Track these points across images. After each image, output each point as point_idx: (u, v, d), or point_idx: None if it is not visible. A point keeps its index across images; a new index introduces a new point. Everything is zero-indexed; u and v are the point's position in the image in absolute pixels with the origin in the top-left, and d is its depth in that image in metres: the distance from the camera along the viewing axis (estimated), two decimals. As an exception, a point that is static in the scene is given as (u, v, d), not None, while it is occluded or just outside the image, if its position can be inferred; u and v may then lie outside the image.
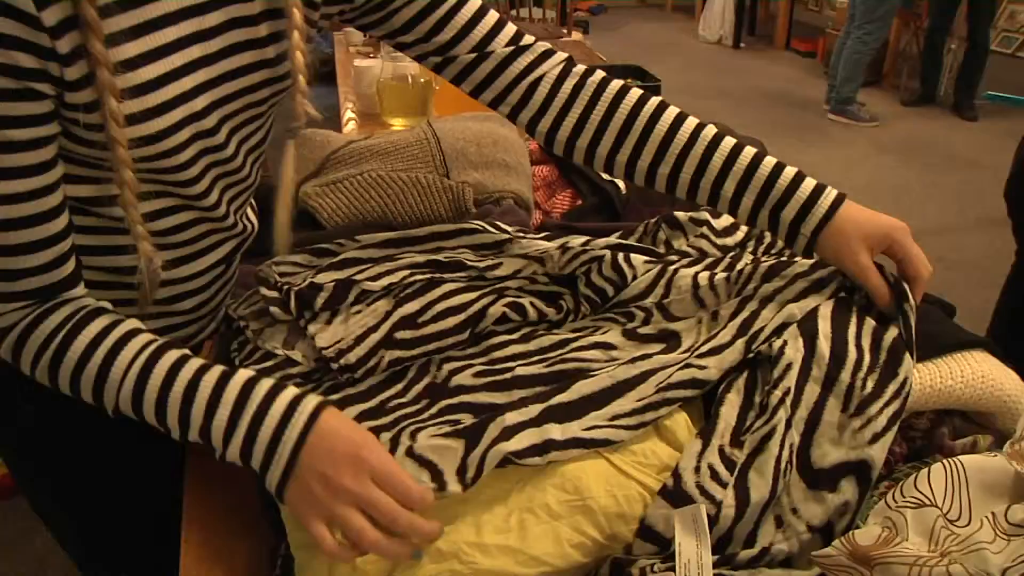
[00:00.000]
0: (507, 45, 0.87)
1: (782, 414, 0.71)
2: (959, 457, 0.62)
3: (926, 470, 0.63)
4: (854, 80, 5.03)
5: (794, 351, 0.75)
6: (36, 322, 0.74)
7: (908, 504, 0.62)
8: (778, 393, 0.73)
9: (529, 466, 0.69)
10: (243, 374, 0.72)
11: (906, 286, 0.80)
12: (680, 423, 0.75)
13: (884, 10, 4.81)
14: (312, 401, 0.70)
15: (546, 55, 0.88)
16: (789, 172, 0.83)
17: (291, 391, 0.71)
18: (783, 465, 0.69)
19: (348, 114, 2.16)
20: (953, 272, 3.25)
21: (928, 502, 0.61)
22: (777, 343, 0.77)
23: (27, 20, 0.62)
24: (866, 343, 0.76)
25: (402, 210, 1.13)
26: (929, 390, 0.75)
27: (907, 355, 0.74)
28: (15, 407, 0.95)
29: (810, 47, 6.82)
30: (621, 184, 1.22)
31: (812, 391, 0.73)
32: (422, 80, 1.94)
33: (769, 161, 0.84)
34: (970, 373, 0.77)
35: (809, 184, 0.83)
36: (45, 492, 1.05)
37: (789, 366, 0.74)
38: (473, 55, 0.86)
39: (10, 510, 2.11)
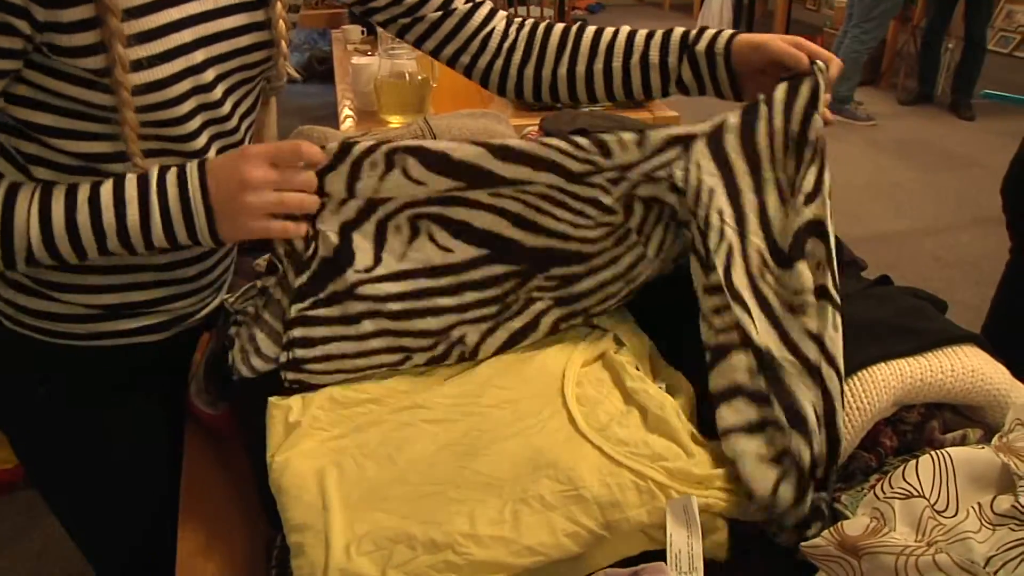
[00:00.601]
0: (464, 3, 0.98)
1: (730, 233, 0.78)
2: (947, 449, 0.63)
3: (914, 462, 0.64)
4: (851, 79, 5.03)
5: (710, 176, 0.80)
6: None
7: (896, 495, 0.63)
8: (715, 215, 0.78)
9: None
10: (131, 176, 0.78)
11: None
12: (670, 412, 0.75)
13: (881, 9, 4.83)
14: (195, 161, 0.79)
15: (494, 11, 1.01)
16: (695, 30, 0.95)
17: (174, 168, 0.79)
18: (755, 271, 0.77)
19: (346, 111, 2.17)
20: (949, 270, 3.27)
21: (916, 493, 0.62)
22: (694, 173, 0.80)
23: None
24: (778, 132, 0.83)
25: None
26: (920, 384, 0.76)
27: (815, 116, 0.82)
28: (27, 387, 0.97)
29: (808, 46, 6.82)
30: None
31: (749, 200, 0.80)
32: (419, 78, 1.95)
33: (679, 30, 0.95)
34: (960, 367, 0.77)
35: (710, 30, 0.94)
36: (45, 474, 1.06)
37: (712, 191, 0.79)
38: (439, 13, 0.97)
39: (7, 505, 2.11)
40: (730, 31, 0.92)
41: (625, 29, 0.97)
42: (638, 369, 0.81)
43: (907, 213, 3.79)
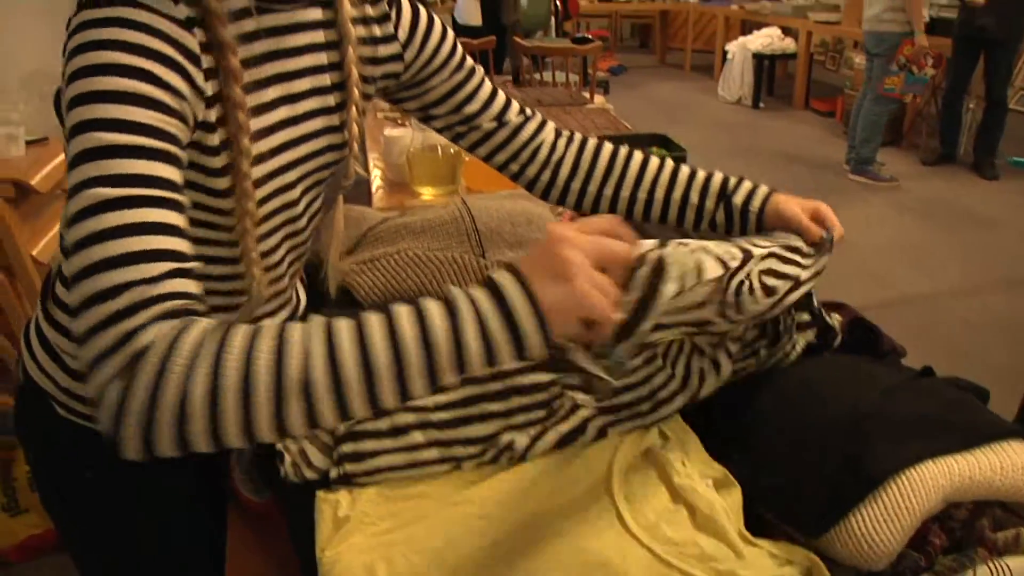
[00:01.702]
0: (517, 115, 1.04)
1: None
2: (1005, 560, 0.63)
3: (971, 573, 0.63)
4: (873, 141, 5.06)
5: None
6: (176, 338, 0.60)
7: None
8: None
9: None
10: (404, 312, 0.63)
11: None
12: (719, 511, 0.76)
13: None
14: (500, 270, 0.66)
15: (543, 124, 1.06)
16: (734, 179, 1.04)
17: (470, 290, 0.64)
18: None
19: (377, 182, 2.20)
20: (981, 334, 3.23)
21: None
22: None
23: (188, 55, 0.70)
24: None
25: (439, 289, 1.15)
26: (968, 482, 0.76)
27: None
28: (74, 470, 0.99)
29: (829, 107, 6.88)
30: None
31: None
32: (451, 151, 1.98)
33: (719, 176, 1.04)
34: (1008, 464, 0.77)
35: (749, 182, 1.03)
36: (84, 546, 1.07)
37: None
38: (494, 124, 1.02)
39: (36, 570, 2.11)
40: (766, 189, 1.02)
41: (669, 164, 1.05)
42: (685, 465, 0.81)
43: (934, 275, 3.77)
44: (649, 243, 0.81)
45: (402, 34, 0.94)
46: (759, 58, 7.19)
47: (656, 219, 1.06)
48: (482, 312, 0.62)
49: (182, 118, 0.69)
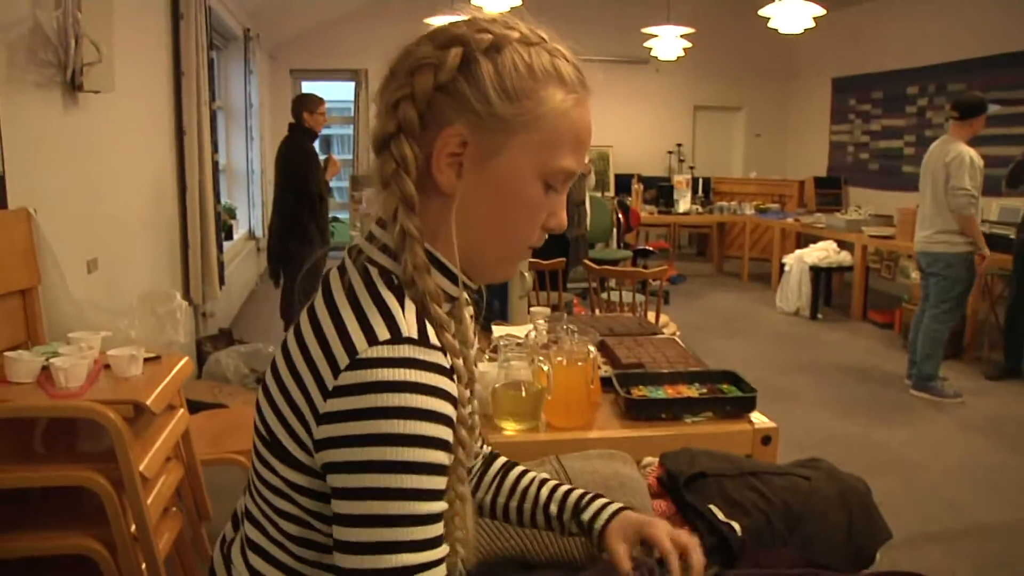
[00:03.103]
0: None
1: None
2: None
3: None
4: (935, 356, 5.09)
5: None
6: None
7: None
8: None
9: None
10: None
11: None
12: None
13: (958, 291, 4.96)
14: None
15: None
16: (592, 498, 1.20)
17: None
18: None
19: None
20: (1063, 569, 3.14)
21: None
22: None
23: (455, 403, 0.86)
24: None
25: (538, 548, 1.25)
26: None
27: None
28: None
29: (887, 319, 6.98)
30: (737, 527, 1.33)
31: None
32: (534, 389, 2.12)
33: (575, 493, 1.21)
34: None
35: (601, 501, 1.19)
36: None
37: None
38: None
39: None
40: (616, 506, 1.18)
41: (539, 479, 1.25)
42: None
43: (1009, 500, 3.70)
44: None
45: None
46: (816, 270, 7.39)
47: (541, 525, 1.23)
48: None
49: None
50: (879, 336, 6.78)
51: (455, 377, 0.86)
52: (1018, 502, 3.69)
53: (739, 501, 1.37)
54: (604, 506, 1.17)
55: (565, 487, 1.22)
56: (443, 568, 0.83)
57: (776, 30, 6.35)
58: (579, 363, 1.98)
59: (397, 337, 0.82)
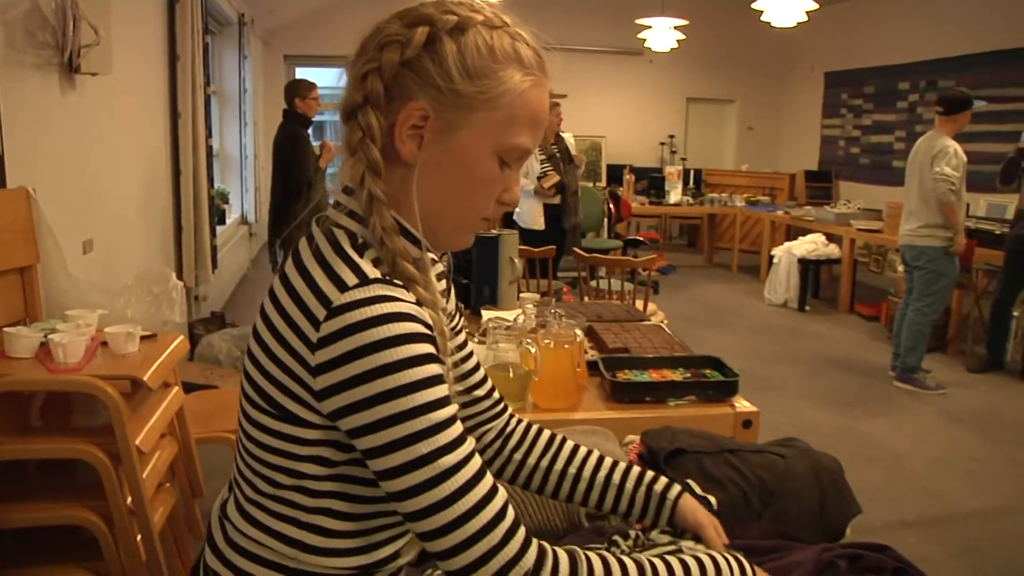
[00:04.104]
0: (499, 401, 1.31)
1: None
2: None
3: None
4: (918, 349, 5.17)
5: None
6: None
7: None
8: None
9: None
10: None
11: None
12: None
13: (941, 285, 5.05)
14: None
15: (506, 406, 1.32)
16: (650, 473, 1.26)
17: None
18: None
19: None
20: (1040, 558, 3.21)
21: None
22: None
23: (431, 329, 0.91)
24: None
25: (522, 518, 1.30)
26: None
27: None
28: None
29: (873, 311, 7.06)
30: (713, 500, 1.38)
31: None
32: (522, 370, 2.17)
33: (636, 468, 1.26)
34: None
35: (665, 479, 1.26)
36: None
37: None
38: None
39: None
40: (679, 487, 1.25)
41: (596, 452, 1.27)
42: None
43: (988, 492, 3.77)
44: None
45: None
46: (804, 263, 7.46)
47: (579, 499, 1.26)
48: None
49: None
50: (865, 328, 6.86)
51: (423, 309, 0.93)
52: (995, 492, 3.77)
53: (716, 476, 1.42)
54: (671, 482, 1.25)
55: (624, 463, 1.27)
56: (478, 458, 0.90)
57: (769, 23, 6.40)
58: (566, 346, 2.03)
59: (364, 280, 0.89)
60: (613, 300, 4.54)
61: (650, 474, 1.25)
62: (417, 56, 0.93)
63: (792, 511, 1.41)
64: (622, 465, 1.25)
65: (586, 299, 4.65)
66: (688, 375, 2.15)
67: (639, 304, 4.29)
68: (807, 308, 7.47)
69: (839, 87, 10.22)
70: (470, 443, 0.90)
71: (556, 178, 6.15)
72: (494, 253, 2.96)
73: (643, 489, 1.23)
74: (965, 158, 4.87)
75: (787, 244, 7.75)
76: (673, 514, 1.22)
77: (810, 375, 5.47)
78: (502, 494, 0.90)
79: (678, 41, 8.44)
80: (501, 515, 0.88)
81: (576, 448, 1.27)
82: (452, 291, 1.22)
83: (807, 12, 6.22)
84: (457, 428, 0.89)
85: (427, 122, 0.95)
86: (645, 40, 8.53)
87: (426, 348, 0.87)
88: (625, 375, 2.13)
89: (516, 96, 0.95)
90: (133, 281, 2.64)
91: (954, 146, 4.82)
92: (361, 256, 0.93)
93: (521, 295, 3.01)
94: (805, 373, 5.51)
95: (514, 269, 3.02)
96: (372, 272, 0.90)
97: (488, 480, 0.89)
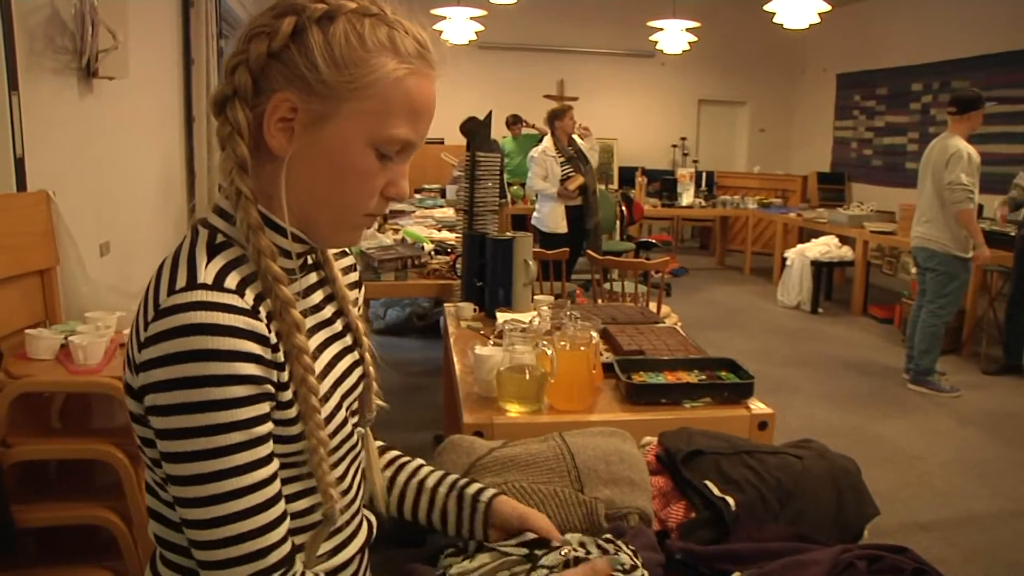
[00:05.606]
0: None
1: None
2: None
3: None
4: (932, 352, 5.15)
5: None
6: None
7: None
8: None
9: None
10: None
11: None
12: None
13: (953, 287, 5.02)
14: None
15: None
16: (465, 480, 1.27)
17: None
18: None
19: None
20: (1053, 560, 3.20)
21: None
22: None
23: (262, 341, 0.86)
24: None
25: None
26: None
27: None
28: None
29: (887, 313, 7.04)
30: (732, 501, 1.39)
31: None
32: (538, 373, 2.17)
33: (452, 477, 1.27)
34: None
35: (477, 483, 1.27)
36: None
37: None
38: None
39: None
40: (494, 490, 1.24)
41: (427, 467, 1.28)
42: None
43: (1001, 494, 3.76)
44: None
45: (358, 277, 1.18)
46: (817, 265, 7.45)
47: (407, 510, 1.26)
48: None
49: (269, 396, 0.89)
50: (879, 331, 6.84)
51: (261, 318, 0.88)
52: (1010, 494, 3.75)
53: (734, 478, 1.42)
54: (483, 488, 1.25)
55: (440, 472, 1.28)
56: (270, 488, 0.88)
57: (781, 25, 6.39)
58: (581, 348, 2.03)
59: (191, 284, 0.86)
60: (626, 302, 4.55)
61: (464, 480, 1.25)
62: (284, 47, 0.91)
63: (809, 512, 1.41)
64: (439, 473, 1.26)
65: (599, 301, 4.66)
66: (703, 377, 2.15)
67: (652, 306, 4.30)
68: (820, 310, 7.45)
69: (851, 89, 10.20)
70: (264, 471, 0.88)
71: (580, 179, 6.18)
72: (508, 256, 2.97)
73: (455, 493, 1.24)
74: (979, 160, 4.85)
75: (800, 246, 7.73)
76: (488, 515, 1.21)
77: (823, 377, 5.46)
78: (279, 531, 0.89)
79: (690, 43, 8.44)
80: (264, 553, 0.86)
81: (408, 463, 1.29)
82: (363, 286, 1.20)
83: (819, 13, 6.21)
84: (250, 455, 0.86)
85: (296, 114, 0.92)
86: (657, 42, 8.54)
87: (234, 368, 0.84)
88: (640, 377, 2.14)
89: (388, 85, 0.92)
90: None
91: (968, 149, 4.79)
92: (216, 255, 0.91)
93: (535, 297, 3.01)
94: (818, 375, 5.49)
95: (528, 271, 3.03)
96: (206, 276, 0.87)
97: (269, 514, 0.87)
